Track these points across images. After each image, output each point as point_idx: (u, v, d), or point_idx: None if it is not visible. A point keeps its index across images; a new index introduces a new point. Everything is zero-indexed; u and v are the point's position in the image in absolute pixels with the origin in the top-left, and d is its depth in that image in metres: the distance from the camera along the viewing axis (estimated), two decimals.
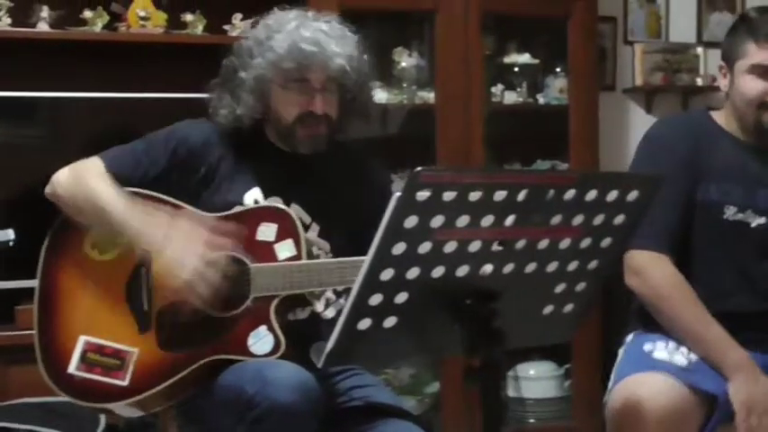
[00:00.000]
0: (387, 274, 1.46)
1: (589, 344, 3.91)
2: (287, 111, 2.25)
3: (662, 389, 2.25)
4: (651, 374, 2.31)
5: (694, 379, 2.30)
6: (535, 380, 4.01)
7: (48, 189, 2.27)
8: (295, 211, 2.24)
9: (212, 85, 2.33)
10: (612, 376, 2.46)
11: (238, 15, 3.74)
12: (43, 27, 3.52)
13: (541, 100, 4.24)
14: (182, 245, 2.07)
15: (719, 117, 2.57)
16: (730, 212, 2.45)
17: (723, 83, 2.53)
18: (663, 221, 2.37)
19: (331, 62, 2.22)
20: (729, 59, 2.49)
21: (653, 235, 2.35)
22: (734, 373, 2.30)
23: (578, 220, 1.58)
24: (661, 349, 2.39)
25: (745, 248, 2.46)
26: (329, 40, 2.23)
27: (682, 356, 2.37)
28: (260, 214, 2.20)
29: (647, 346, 2.42)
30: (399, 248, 1.43)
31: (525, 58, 4.23)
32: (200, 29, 3.71)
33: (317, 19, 2.28)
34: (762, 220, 2.46)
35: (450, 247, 1.47)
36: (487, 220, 1.47)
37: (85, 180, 2.21)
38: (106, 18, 3.60)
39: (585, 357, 3.97)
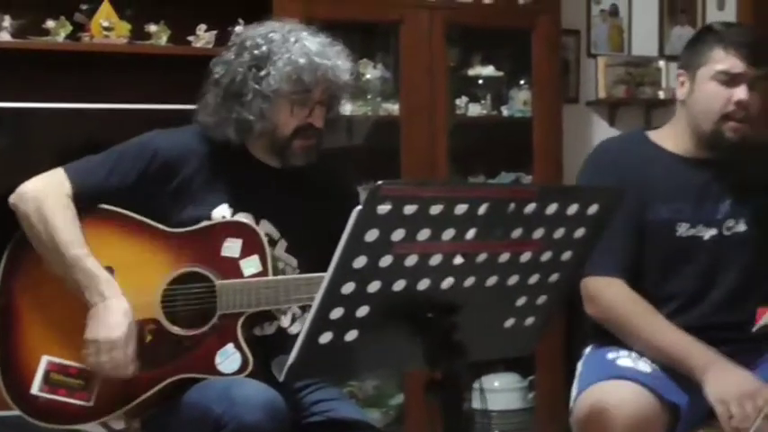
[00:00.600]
0: (348, 288, 1.46)
1: (553, 355, 3.93)
2: (287, 122, 2.23)
3: (628, 396, 2.24)
4: (617, 382, 2.30)
5: (659, 387, 2.29)
6: (499, 391, 4.03)
7: (11, 199, 2.20)
8: (264, 226, 2.23)
9: (207, 103, 2.27)
10: (575, 386, 2.45)
11: (203, 26, 3.72)
12: (5, 37, 3.49)
13: (505, 112, 4.27)
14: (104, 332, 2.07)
15: (656, 137, 2.57)
16: (682, 229, 2.46)
17: (681, 91, 2.52)
18: (614, 246, 2.37)
19: (340, 76, 2.23)
20: (690, 67, 2.48)
21: (605, 260, 2.35)
22: (704, 372, 2.27)
23: (539, 233, 1.58)
24: (624, 357, 2.39)
25: (700, 261, 2.47)
26: (335, 54, 2.24)
27: (646, 364, 2.36)
28: (225, 230, 2.17)
29: (610, 355, 2.42)
30: (360, 262, 1.43)
31: (489, 70, 4.26)
32: (164, 39, 3.69)
33: (307, 30, 2.27)
34: (713, 232, 2.47)
35: (411, 260, 1.47)
36: (448, 234, 1.47)
37: (47, 208, 2.15)
38: (69, 28, 3.58)
39: (549, 369, 3.99)
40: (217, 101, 2.24)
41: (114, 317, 2.07)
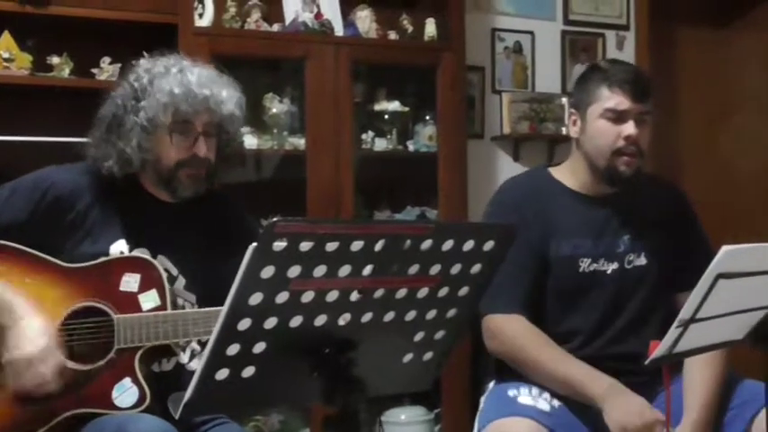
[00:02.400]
0: (244, 324, 1.45)
1: (458, 389, 3.96)
2: (169, 154, 2.23)
3: None
4: (516, 419, 2.32)
5: (557, 426, 2.33)
6: (405, 425, 4.02)
7: None
8: (161, 262, 2.21)
9: (93, 137, 2.27)
10: (477, 423, 2.48)
11: (106, 59, 3.70)
12: None
13: (411, 147, 4.31)
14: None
15: (558, 172, 2.65)
16: (585, 264, 2.52)
17: (573, 129, 2.59)
18: (515, 283, 2.43)
19: (222, 106, 2.23)
20: (581, 106, 2.56)
21: (505, 297, 2.41)
22: (604, 400, 2.32)
23: (436, 269, 1.58)
24: (525, 395, 2.42)
25: (603, 295, 2.53)
26: (218, 84, 2.24)
27: (545, 402, 2.40)
28: (123, 265, 2.16)
29: (511, 392, 2.45)
30: (256, 298, 1.42)
31: (395, 105, 4.30)
32: (66, 72, 3.65)
33: (195, 65, 2.27)
34: (615, 266, 2.54)
35: (307, 296, 1.46)
36: (345, 270, 1.47)
37: None
38: None
39: (455, 402, 4.01)
40: (100, 135, 2.24)
41: (29, 333, 2.04)
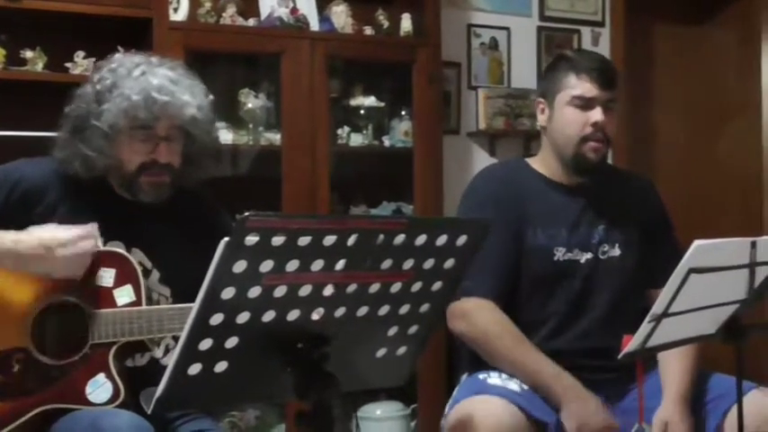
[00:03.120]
0: (216, 319, 1.45)
1: (434, 384, 3.96)
2: (130, 158, 2.22)
3: (495, 410, 2.28)
4: (485, 397, 2.34)
5: (527, 405, 2.34)
6: (382, 420, 4.02)
7: None
8: (136, 255, 2.21)
9: (59, 137, 2.26)
10: (448, 406, 2.50)
11: (80, 53, 3.68)
12: None
13: (387, 142, 4.31)
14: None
15: (535, 163, 2.68)
16: (560, 254, 2.54)
17: (542, 118, 2.63)
18: (489, 269, 2.44)
19: (182, 111, 2.21)
20: (548, 94, 2.60)
21: (479, 282, 2.41)
22: (563, 398, 2.36)
23: (409, 264, 1.59)
24: (495, 377, 2.44)
25: (575, 284, 2.56)
26: (180, 88, 2.21)
27: (515, 384, 2.41)
28: (98, 259, 2.13)
29: (481, 375, 2.47)
30: (229, 293, 1.42)
31: (371, 100, 4.29)
32: (40, 66, 3.63)
33: (162, 65, 2.25)
34: (589, 255, 2.57)
35: (280, 291, 1.47)
36: (317, 265, 1.47)
37: None
38: None
39: (431, 397, 4.01)
40: (65, 135, 2.24)
41: (38, 232, 2.07)
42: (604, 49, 5.00)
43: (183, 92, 2.22)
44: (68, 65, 3.69)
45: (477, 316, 2.48)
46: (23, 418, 2.06)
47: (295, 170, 3.90)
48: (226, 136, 3.84)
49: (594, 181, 2.61)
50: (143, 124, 2.19)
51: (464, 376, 2.60)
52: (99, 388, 2.08)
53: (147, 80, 2.18)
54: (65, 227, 2.09)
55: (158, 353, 2.25)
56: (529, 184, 2.61)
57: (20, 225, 2.16)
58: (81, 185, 2.25)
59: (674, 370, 2.47)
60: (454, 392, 2.56)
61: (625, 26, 5.11)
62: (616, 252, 2.59)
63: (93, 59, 3.57)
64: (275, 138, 4.00)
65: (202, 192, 2.47)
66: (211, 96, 2.34)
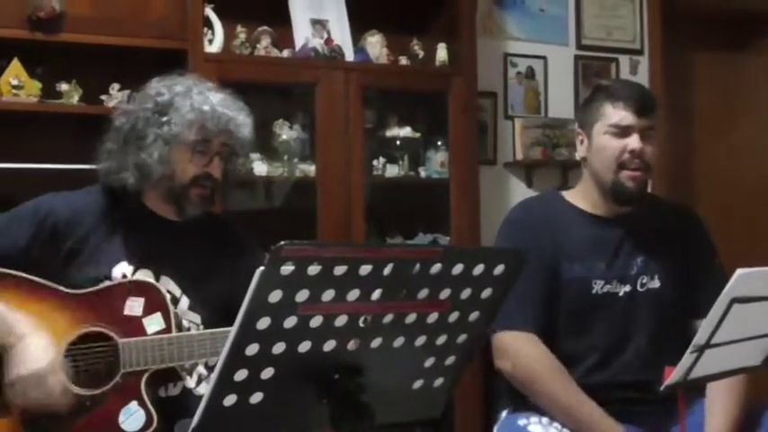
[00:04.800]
0: (252, 350, 1.45)
1: (471, 418, 3.94)
2: (185, 170, 2.27)
3: None
4: None
5: None
6: None
7: None
8: (164, 283, 2.24)
9: (106, 149, 2.31)
10: None
11: (116, 85, 3.72)
12: None
13: (423, 173, 4.31)
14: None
15: (570, 196, 2.67)
16: (598, 287, 2.53)
17: (581, 149, 2.63)
18: (529, 301, 2.43)
19: (241, 130, 2.30)
20: (586, 125, 2.60)
21: (519, 315, 2.41)
22: None
23: (445, 293, 1.59)
24: (535, 424, 2.42)
25: (615, 317, 2.53)
26: (236, 108, 2.30)
27: (556, 431, 2.40)
28: (127, 289, 2.18)
29: (521, 421, 2.45)
30: (264, 323, 1.43)
31: (406, 131, 4.30)
32: (75, 99, 3.68)
33: (212, 89, 2.34)
34: (627, 288, 2.55)
35: (316, 321, 1.47)
36: (353, 294, 1.47)
37: None
38: None
39: (468, 430, 3.99)
40: (116, 146, 2.28)
41: (34, 350, 2.06)
42: (643, 76, 5.00)
43: (239, 111, 2.31)
44: (103, 97, 3.73)
45: (522, 353, 2.46)
46: None
47: (330, 202, 3.92)
48: (260, 168, 3.87)
49: (634, 211, 2.59)
50: (206, 137, 2.26)
51: (503, 413, 2.58)
52: (132, 416, 2.10)
53: (209, 97, 2.27)
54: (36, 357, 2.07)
55: (191, 382, 2.27)
56: (565, 216, 2.61)
57: (50, 260, 2.21)
58: (113, 209, 2.29)
59: (718, 404, 2.43)
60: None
61: (663, 53, 5.10)
62: (656, 284, 2.56)
63: (128, 92, 3.62)
64: (310, 169, 4.02)
65: (231, 221, 2.55)
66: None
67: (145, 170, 2.25)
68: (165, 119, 2.24)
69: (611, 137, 2.52)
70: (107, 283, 2.20)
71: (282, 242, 1.35)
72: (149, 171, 2.25)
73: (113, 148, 2.30)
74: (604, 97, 2.55)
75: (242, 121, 2.31)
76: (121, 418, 2.09)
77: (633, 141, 2.49)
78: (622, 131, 2.51)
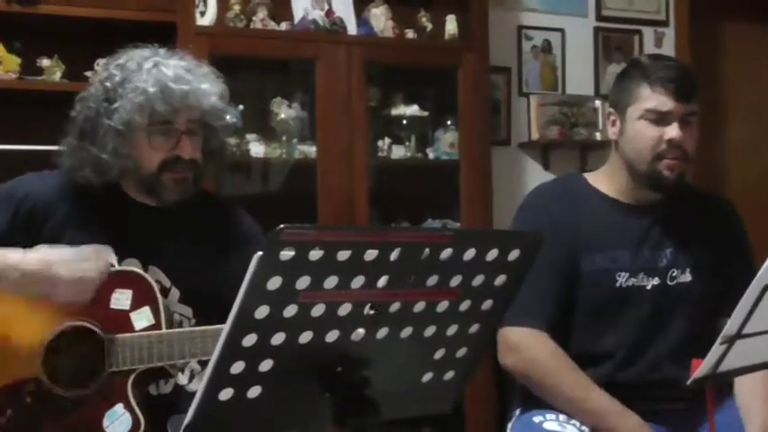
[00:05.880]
0: (249, 340, 1.45)
1: (483, 416, 3.95)
2: (150, 157, 2.22)
3: None
4: None
5: None
6: None
7: None
8: (153, 274, 2.21)
9: (66, 144, 2.26)
10: None
11: (101, 61, 3.70)
12: None
13: (431, 154, 4.32)
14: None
15: (593, 179, 2.62)
16: (623, 279, 2.49)
17: (612, 131, 2.56)
18: (539, 295, 2.39)
19: (202, 101, 2.22)
20: (619, 105, 2.52)
21: (529, 310, 2.37)
22: None
23: (456, 280, 1.58)
24: (551, 421, 2.42)
25: (642, 313, 2.50)
26: (196, 77, 2.22)
27: (574, 428, 2.39)
28: (113, 280, 2.13)
29: (536, 418, 2.44)
30: (262, 312, 1.42)
31: (413, 110, 4.31)
32: (57, 75, 3.68)
33: (172, 56, 2.26)
34: (656, 281, 2.51)
35: (317, 310, 1.47)
36: (358, 282, 1.47)
37: None
38: None
39: (479, 429, 4.00)
40: (73, 142, 2.24)
41: (44, 249, 2.08)
42: (669, 49, 4.99)
43: (201, 80, 2.22)
44: (88, 74, 3.72)
45: (529, 348, 2.44)
46: None
47: (331, 185, 3.92)
48: (257, 149, 3.88)
49: (664, 199, 2.54)
50: (162, 119, 2.19)
51: (516, 412, 2.58)
52: (117, 420, 2.08)
53: (161, 71, 2.18)
54: (75, 248, 2.10)
55: (182, 379, 2.26)
56: (587, 201, 2.56)
57: (28, 245, 2.16)
58: (92, 198, 2.25)
59: (757, 399, 2.41)
60: (508, 430, 2.55)
61: (690, 25, 5.09)
62: (687, 278, 2.53)
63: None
64: (310, 150, 4.02)
65: (232, 204, 2.49)
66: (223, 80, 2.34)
67: (101, 166, 2.20)
68: (114, 106, 2.17)
69: (647, 123, 2.44)
70: None
71: (282, 225, 1.35)
72: (107, 167, 2.20)
73: (72, 143, 2.24)
74: (641, 77, 2.47)
75: (206, 90, 2.22)
76: (106, 421, 2.07)
77: (672, 130, 2.42)
78: (660, 118, 2.43)
